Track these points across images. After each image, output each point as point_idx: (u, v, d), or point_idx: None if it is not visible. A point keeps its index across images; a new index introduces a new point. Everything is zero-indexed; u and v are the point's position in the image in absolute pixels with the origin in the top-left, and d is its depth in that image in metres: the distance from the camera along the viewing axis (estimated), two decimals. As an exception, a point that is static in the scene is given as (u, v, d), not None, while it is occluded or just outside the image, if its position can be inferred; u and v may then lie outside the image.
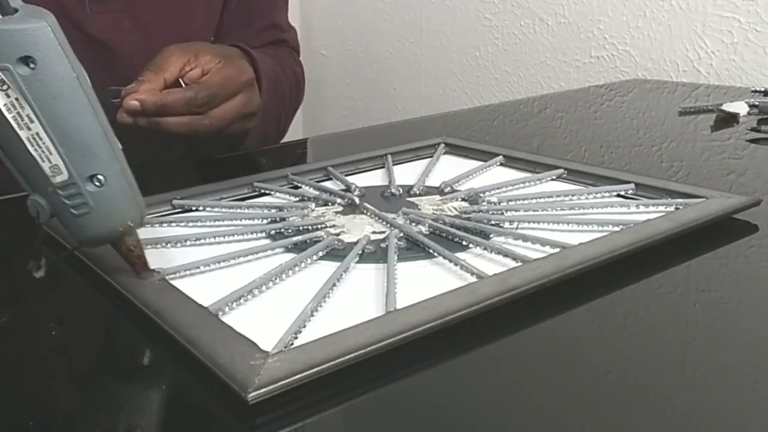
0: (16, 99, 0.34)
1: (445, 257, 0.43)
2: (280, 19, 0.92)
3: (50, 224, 0.48)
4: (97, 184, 0.36)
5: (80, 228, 0.37)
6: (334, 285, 0.39)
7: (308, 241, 0.46)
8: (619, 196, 0.54)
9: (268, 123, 0.80)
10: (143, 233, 0.48)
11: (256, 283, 0.39)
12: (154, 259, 0.42)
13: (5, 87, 0.33)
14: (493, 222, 0.48)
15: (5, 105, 0.34)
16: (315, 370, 0.30)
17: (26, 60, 0.33)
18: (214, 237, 0.47)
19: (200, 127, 0.64)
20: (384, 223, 0.49)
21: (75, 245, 0.41)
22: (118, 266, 0.40)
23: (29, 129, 0.34)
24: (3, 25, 0.33)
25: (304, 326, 0.35)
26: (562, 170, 0.59)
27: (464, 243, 0.45)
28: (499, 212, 0.50)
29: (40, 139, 0.34)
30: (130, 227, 0.38)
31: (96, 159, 0.36)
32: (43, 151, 0.35)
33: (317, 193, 0.57)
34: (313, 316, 0.36)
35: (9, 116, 0.34)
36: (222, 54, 0.67)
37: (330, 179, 0.61)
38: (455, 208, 0.52)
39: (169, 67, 0.63)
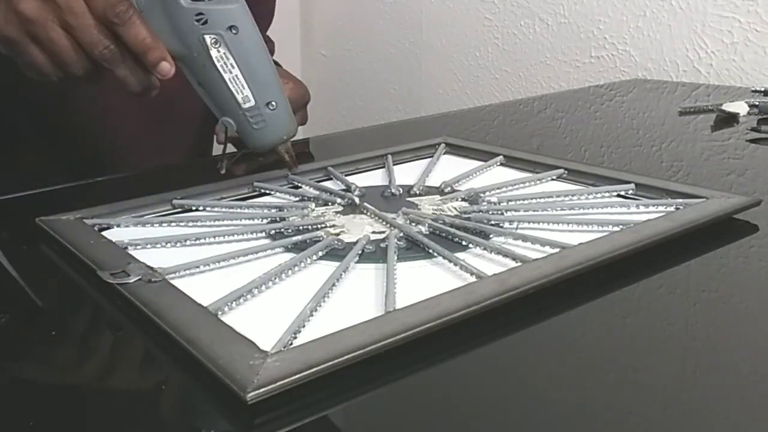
0: (224, 53, 0.50)
1: (444, 257, 0.43)
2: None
3: (49, 224, 0.48)
4: (272, 107, 0.52)
5: (257, 138, 0.53)
6: (333, 285, 0.39)
7: (308, 241, 0.46)
8: (619, 196, 0.54)
9: None
10: (144, 233, 0.49)
11: (256, 283, 0.39)
12: (154, 259, 0.42)
13: (218, 45, 0.49)
14: (493, 222, 0.48)
15: (216, 57, 0.50)
16: (314, 370, 0.30)
17: (231, 28, 0.49)
18: (214, 237, 0.47)
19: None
20: (384, 223, 0.49)
21: (247, 150, 0.55)
22: (117, 266, 0.40)
23: (231, 72, 0.50)
24: (215, 5, 0.49)
25: (304, 326, 0.35)
26: (562, 170, 0.59)
27: (464, 243, 0.45)
28: (499, 212, 0.50)
29: (238, 78, 0.50)
30: (290, 136, 0.55)
31: (271, 90, 0.52)
32: (238, 87, 0.51)
33: (317, 193, 0.57)
34: (312, 315, 0.36)
35: (218, 64, 0.50)
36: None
37: (330, 179, 0.61)
38: (455, 208, 0.52)
39: None
